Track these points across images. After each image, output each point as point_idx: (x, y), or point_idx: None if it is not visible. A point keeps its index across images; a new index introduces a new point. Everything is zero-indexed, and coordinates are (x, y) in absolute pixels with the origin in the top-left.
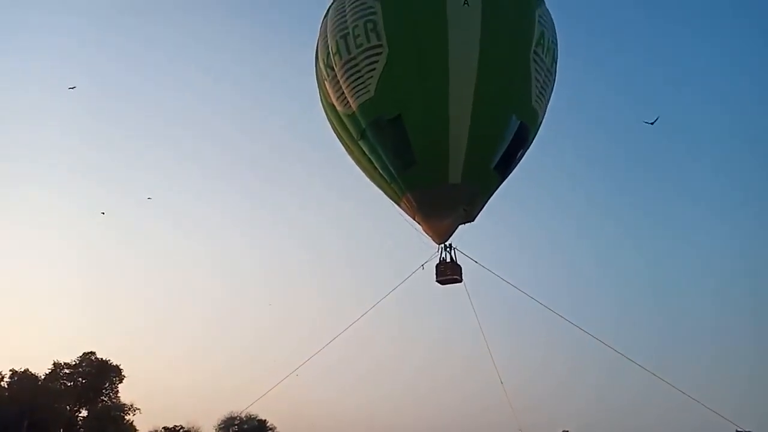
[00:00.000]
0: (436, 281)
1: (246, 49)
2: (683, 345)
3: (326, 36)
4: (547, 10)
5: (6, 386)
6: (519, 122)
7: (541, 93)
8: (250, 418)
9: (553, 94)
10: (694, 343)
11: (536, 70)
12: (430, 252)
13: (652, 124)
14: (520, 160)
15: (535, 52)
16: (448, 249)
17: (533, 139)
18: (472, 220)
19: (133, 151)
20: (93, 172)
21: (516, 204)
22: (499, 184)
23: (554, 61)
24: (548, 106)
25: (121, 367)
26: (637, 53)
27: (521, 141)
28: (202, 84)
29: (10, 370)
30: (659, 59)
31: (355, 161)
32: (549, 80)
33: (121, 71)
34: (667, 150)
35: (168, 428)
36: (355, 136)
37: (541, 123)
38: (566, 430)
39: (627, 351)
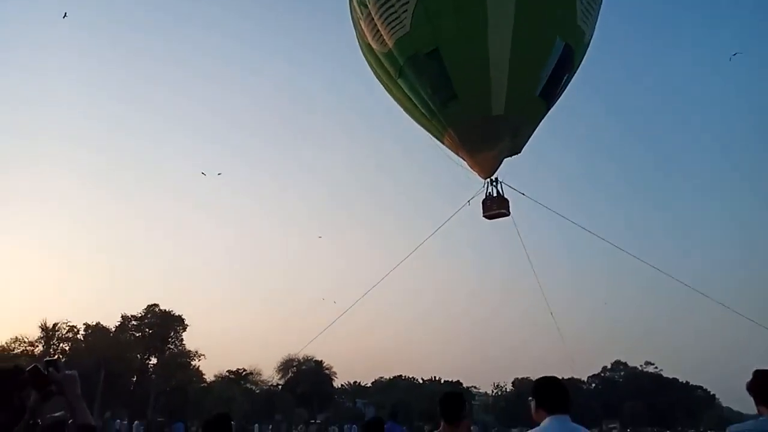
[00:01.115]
0: (483, 216)
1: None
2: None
3: None
4: None
5: (82, 339)
6: (564, 44)
7: (587, 9)
8: (308, 360)
9: (602, 8)
10: (760, 271)
11: None
12: (477, 187)
13: (734, 55)
14: (567, 85)
15: None
16: (494, 183)
17: (581, 61)
18: (519, 152)
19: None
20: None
21: (563, 132)
22: (546, 112)
23: None
24: (597, 24)
25: (183, 317)
26: None
27: (567, 64)
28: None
29: (84, 324)
30: None
31: (395, 100)
32: None
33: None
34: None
35: (232, 371)
36: (393, 75)
37: (589, 42)
38: (618, 359)
39: (681, 275)
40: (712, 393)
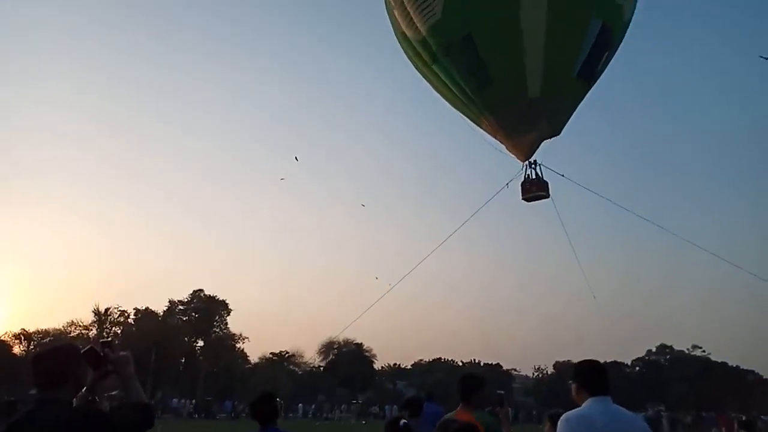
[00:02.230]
0: (522, 199)
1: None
2: None
3: None
4: None
5: (133, 323)
6: (601, 22)
7: None
8: (348, 343)
9: None
10: None
11: None
12: (516, 170)
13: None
14: (607, 64)
15: None
16: (533, 165)
17: (621, 39)
18: (558, 134)
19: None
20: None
21: (603, 114)
22: (585, 93)
23: None
24: (637, 2)
25: (227, 301)
26: None
27: (606, 42)
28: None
29: (134, 309)
30: None
31: (432, 86)
32: None
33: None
34: None
35: (275, 353)
36: (428, 61)
37: (629, 20)
38: (664, 342)
39: (726, 254)
40: (765, 377)
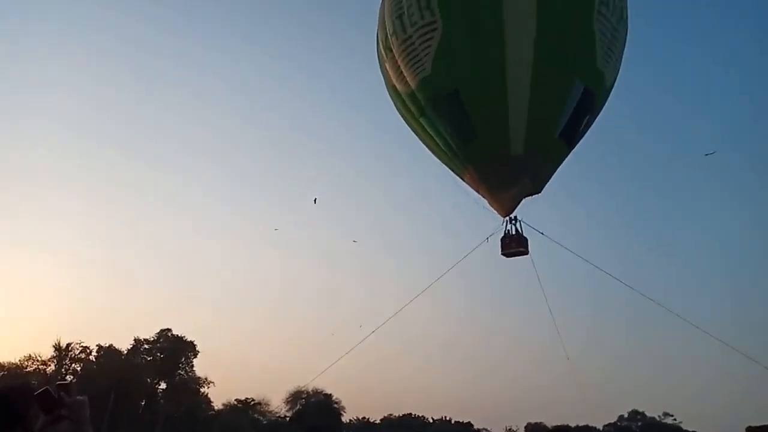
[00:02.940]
0: (502, 254)
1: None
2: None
3: (384, 19)
4: None
5: (94, 360)
6: (583, 87)
7: (607, 53)
8: (317, 393)
9: (624, 53)
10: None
11: (600, 30)
12: (496, 225)
13: (710, 154)
14: (588, 127)
15: (598, 12)
16: (513, 221)
17: (603, 103)
18: (539, 192)
19: (202, 140)
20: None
21: (585, 174)
22: (567, 154)
23: (622, 19)
24: (620, 68)
25: (195, 343)
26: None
27: (587, 106)
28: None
29: (97, 346)
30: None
31: (419, 138)
32: (616, 39)
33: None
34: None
35: (240, 400)
36: (416, 114)
37: (612, 85)
38: (636, 408)
39: (700, 322)
40: None
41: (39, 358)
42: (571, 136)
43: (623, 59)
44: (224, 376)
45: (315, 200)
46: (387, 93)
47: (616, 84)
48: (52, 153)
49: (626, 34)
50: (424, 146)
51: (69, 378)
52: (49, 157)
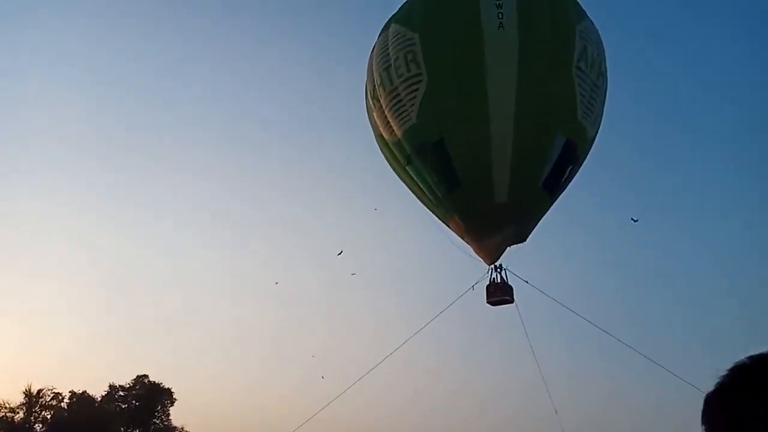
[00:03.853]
0: (487, 302)
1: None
2: None
3: (372, 71)
4: (592, 23)
5: (66, 407)
6: (565, 139)
7: (588, 107)
8: None
9: (605, 107)
10: None
11: (580, 85)
12: (481, 273)
13: (635, 221)
14: (572, 178)
15: (577, 67)
16: (498, 270)
17: (585, 155)
18: (524, 240)
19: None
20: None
21: (571, 223)
22: (551, 203)
23: (601, 74)
24: (602, 121)
25: (172, 390)
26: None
27: (570, 157)
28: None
29: (70, 392)
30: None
31: (407, 186)
32: (596, 94)
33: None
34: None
35: None
36: (402, 162)
37: (593, 138)
38: None
39: (686, 375)
40: None
41: (8, 405)
42: (555, 186)
43: (605, 111)
44: (203, 426)
45: (341, 253)
46: (375, 141)
47: (599, 135)
48: (32, 190)
49: (606, 89)
50: (411, 193)
51: (38, 427)
52: (28, 197)
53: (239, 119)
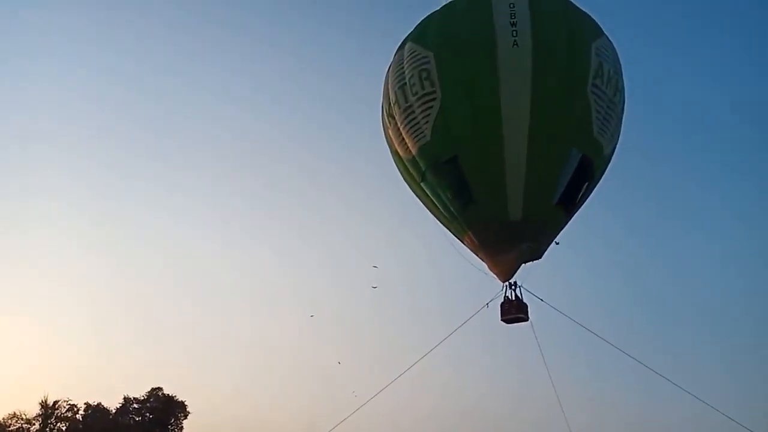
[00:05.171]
0: (501, 320)
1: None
2: None
3: (387, 89)
4: (608, 40)
5: (81, 419)
6: (580, 155)
7: (604, 124)
8: None
9: (623, 125)
10: None
11: (596, 101)
12: (496, 290)
13: (557, 243)
14: (588, 194)
15: (593, 84)
16: (513, 287)
17: (602, 172)
18: (539, 258)
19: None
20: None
21: (587, 240)
22: (567, 220)
23: (618, 91)
24: (619, 138)
25: (186, 403)
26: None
27: (585, 174)
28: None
29: (85, 404)
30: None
31: (422, 202)
32: (613, 111)
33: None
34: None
35: None
36: (417, 179)
37: (610, 155)
38: None
39: (707, 397)
40: None
41: (24, 417)
42: (570, 203)
43: (623, 128)
44: None
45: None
46: (391, 157)
47: (616, 152)
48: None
49: (623, 105)
50: (427, 210)
51: None
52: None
53: (261, 127)
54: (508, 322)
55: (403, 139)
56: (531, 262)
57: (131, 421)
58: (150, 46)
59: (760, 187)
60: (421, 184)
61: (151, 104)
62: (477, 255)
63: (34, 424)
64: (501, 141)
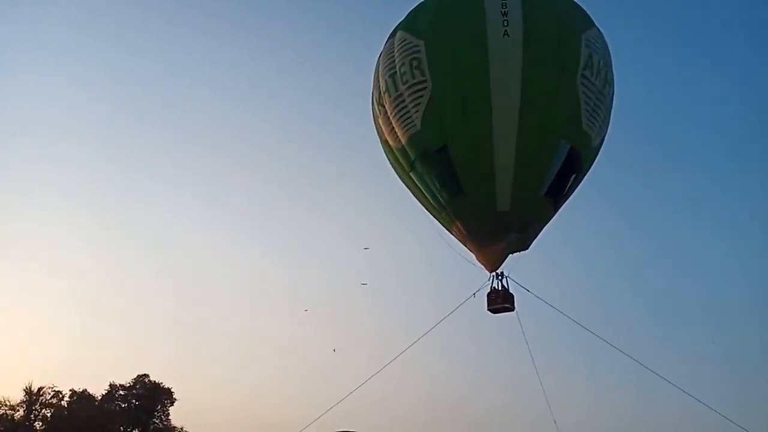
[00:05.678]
0: (487, 310)
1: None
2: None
3: (378, 77)
4: (599, 31)
5: (66, 406)
6: (569, 146)
7: (592, 116)
8: None
9: (612, 117)
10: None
11: (584, 93)
12: (482, 280)
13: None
14: (576, 186)
15: (583, 76)
16: (500, 277)
17: (590, 163)
18: (526, 249)
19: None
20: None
21: (574, 231)
22: (554, 211)
23: (607, 83)
24: (608, 130)
25: (172, 390)
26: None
27: (573, 166)
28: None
29: (70, 390)
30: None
31: (411, 192)
32: (601, 103)
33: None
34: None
35: None
36: (406, 168)
37: (598, 147)
38: None
39: (694, 391)
40: None
41: (8, 403)
42: (558, 194)
43: (611, 120)
44: (203, 427)
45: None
46: (380, 146)
47: (605, 143)
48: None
49: (612, 97)
50: (415, 199)
51: (37, 425)
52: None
53: (250, 118)
54: (494, 312)
55: (393, 128)
56: (518, 253)
57: (117, 408)
58: (148, 39)
59: (754, 177)
60: (410, 173)
61: (149, 98)
62: (465, 245)
63: (18, 411)
64: (490, 131)
